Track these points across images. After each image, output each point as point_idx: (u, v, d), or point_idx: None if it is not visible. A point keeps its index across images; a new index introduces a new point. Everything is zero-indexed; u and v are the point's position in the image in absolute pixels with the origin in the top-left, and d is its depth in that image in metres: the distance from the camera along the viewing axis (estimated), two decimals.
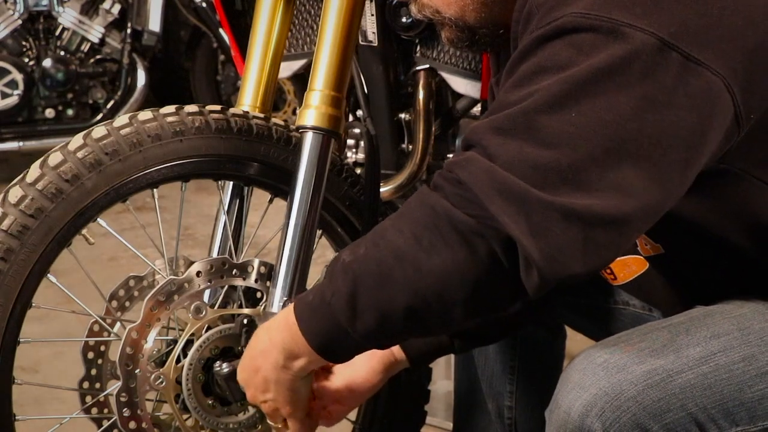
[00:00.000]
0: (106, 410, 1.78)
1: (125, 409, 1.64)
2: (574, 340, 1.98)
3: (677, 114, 1.30)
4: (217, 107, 1.75)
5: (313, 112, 1.70)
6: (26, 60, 4.67)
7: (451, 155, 2.22)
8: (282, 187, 1.79)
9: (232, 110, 1.76)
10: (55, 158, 1.63)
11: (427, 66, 2.08)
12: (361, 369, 1.69)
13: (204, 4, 4.57)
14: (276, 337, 1.45)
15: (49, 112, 4.70)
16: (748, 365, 1.39)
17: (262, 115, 1.79)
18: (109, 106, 4.74)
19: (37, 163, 1.64)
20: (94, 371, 1.77)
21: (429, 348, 1.73)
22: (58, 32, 4.71)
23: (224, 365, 1.65)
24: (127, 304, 1.77)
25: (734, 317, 1.43)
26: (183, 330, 1.68)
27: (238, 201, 1.81)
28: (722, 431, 1.38)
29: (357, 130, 2.23)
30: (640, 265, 1.62)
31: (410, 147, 2.15)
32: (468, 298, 1.33)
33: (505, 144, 1.29)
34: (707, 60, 1.30)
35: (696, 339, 1.40)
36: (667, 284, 1.60)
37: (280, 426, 1.56)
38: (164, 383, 1.65)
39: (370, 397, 1.94)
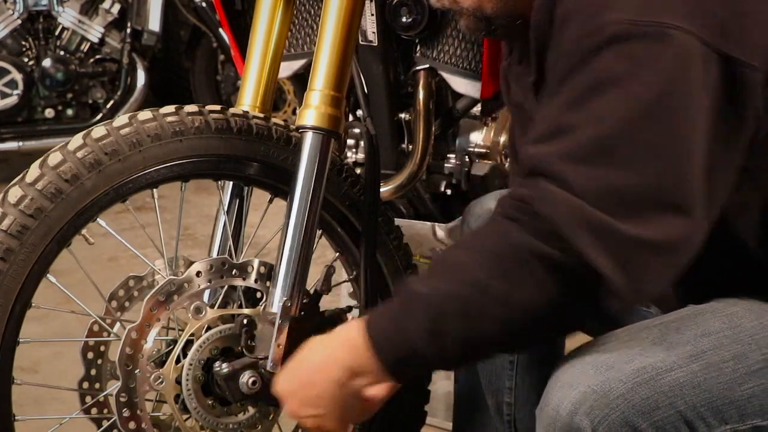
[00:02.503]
0: (105, 410, 1.78)
1: (125, 409, 1.64)
2: (575, 337, 1.98)
3: (734, 119, 1.34)
4: (217, 107, 1.75)
5: (313, 112, 1.70)
6: (26, 60, 4.66)
7: (451, 155, 2.22)
8: (282, 187, 1.79)
9: (232, 110, 1.76)
10: (54, 158, 1.63)
11: (427, 66, 2.08)
12: None
13: (204, 4, 4.56)
14: (339, 355, 1.45)
15: (49, 112, 4.69)
16: (738, 363, 1.40)
17: (262, 115, 1.79)
18: (108, 106, 4.73)
19: (37, 163, 1.64)
20: (93, 371, 1.77)
21: None
22: (57, 32, 4.70)
23: (224, 365, 1.65)
24: (127, 304, 1.77)
25: (725, 315, 1.44)
26: (183, 330, 1.68)
27: (238, 201, 1.81)
28: (711, 429, 1.39)
29: (357, 130, 2.22)
30: None
31: (410, 147, 2.15)
32: (554, 324, 1.38)
33: (581, 173, 1.31)
34: (750, 59, 1.33)
35: (686, 337, 1.41)
36: None
37: None
38: (164, 383, 1.65)
39: None
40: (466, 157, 2.21)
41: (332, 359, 1.45)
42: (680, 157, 1.31)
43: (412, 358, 1.40)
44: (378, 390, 1.46)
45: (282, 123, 1.80)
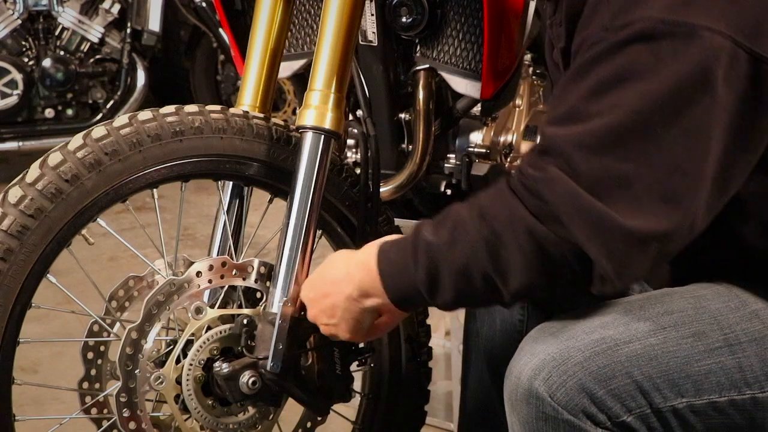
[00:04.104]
0: (105, 410, 1.77)
1: (125, 409, 1.63)
2: None
3: (754, 116, 1.36)
4: (217, 107, 1.75)
5: (313, 112, 1.70)
6: (26, 60, 4.66)
7: (451, 155, 2.21)
8: (282, 187, 1.79)
9: (231, 110, 1.76)
10: (54, 158, 1.63)
11: (427, 66, 2.08)
12: None
13: (204, 4, 4.56)
14: (355, 273, 1.54)
15: (49, 112, 4.69)
16: (698, 341, 1.44)
17: (261, 115, 1.79)
18: (108, 106, 4.73)
19: (37, 163, 1.64)
20: (93, 371, 1.77)
21: None
22: (57, 32, 4.71)
23: (224, 365, 1.65)
24: (127, 304, 1.77)
25: (692, 297, 1.47)
26: (183, 330, 1.67)
27: (238, 201, 1.81)
28: (667, 401, 1.43)
29: (357, 130, 2.22)
30: None
31: (410, 147, 2.15)
32: (539, 288, 1.43)
33: (588, 161, 1.34)
34: None
35: (648, 314, 1.46)
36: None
37: None
38: (164, 383, 1.65)
39: (369, 398, 1.93)
40: (466, 157, 2.21)
41: (348, 276, 1.55)
42: (689, 153, 1.33)
43: (414, 296, 1.49)
44: (388, 318, 1.60)
45: (282, 123, 1.80)
